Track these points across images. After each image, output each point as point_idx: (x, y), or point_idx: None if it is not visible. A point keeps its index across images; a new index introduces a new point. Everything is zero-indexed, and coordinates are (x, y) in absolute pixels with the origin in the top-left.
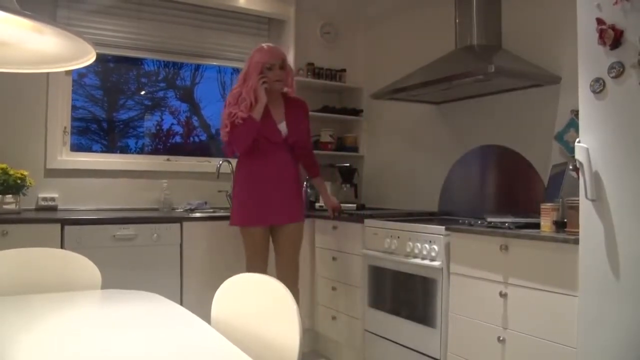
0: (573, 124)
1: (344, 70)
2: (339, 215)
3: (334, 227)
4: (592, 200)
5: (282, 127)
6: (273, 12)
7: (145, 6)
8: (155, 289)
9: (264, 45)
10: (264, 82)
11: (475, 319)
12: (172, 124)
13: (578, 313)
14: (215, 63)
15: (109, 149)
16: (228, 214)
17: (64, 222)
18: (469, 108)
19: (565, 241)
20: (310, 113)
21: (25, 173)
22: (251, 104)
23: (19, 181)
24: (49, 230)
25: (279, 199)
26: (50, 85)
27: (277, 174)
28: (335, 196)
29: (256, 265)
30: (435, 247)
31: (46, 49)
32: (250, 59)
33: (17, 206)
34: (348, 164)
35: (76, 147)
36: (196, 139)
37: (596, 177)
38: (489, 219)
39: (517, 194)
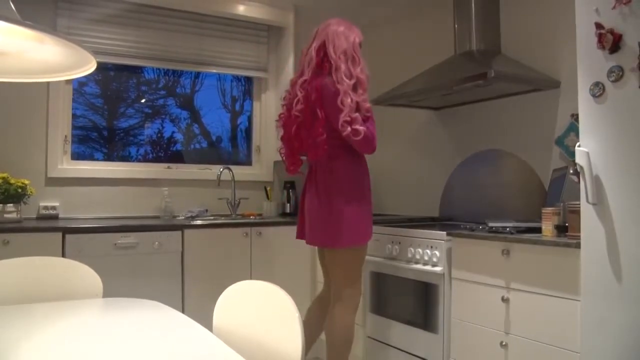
0: (573, 128)
1: None
2: None
3: None
4: (593, 204)
5: None
6: (272, 20)
7: (145, 15)
8: (157, 297)
9: (345, 20)
10: None
11: (477, 324)
12: (173, 131)
13: (580, 317)
14: (215, 71)
15: (110, 157)
16: (229, 221)
17: (65, 231)
18: (469, 113)
19: (567, 245)
20: None
21: (26, 182)
22: (364, 89)
23: (19, 190)
24: (50, 239)
25: None
26: (50, 94)
27: None
28: None
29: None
30: (437, 252)
31: (46, 58)
32: (344, 35)
33: (18, 215)
34: None
35: (77, 156)
36: (197, 146)
37: (597, 181)
38: (490, 224)
39: (518, 199)
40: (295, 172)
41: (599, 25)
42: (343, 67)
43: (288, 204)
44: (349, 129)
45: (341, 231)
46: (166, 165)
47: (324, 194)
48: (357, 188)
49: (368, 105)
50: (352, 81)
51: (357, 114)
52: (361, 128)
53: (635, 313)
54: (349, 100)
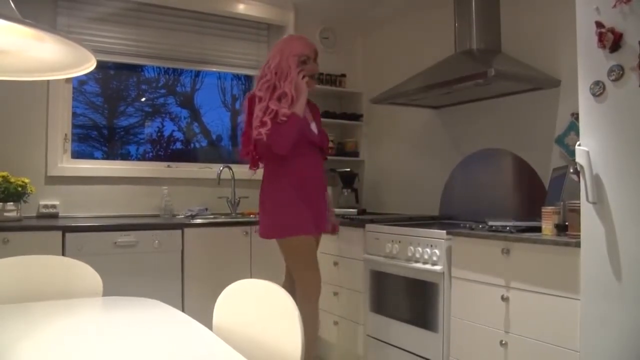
0: (573, 127)
1: (343, 75)
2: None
3: None
4: (593, 203)
5: (314, 127)
6: (272, 18)
7: (145, 13)
8: (157, 295)
9: (295, 35)
10: (304, 76)
11: (477, 323)
12: (173, 130)
13: (580, 316)
14: (215, 69)
15: (110, 155)
16: (229, 220)
17: (65, 230)
18: (469, 112)
19: (567, 244)
20: None
21: (26, 180)
22: (292, 99)
23: (20, 189)
24: (50, 237)
25: (324, 206)
26: (50, 93)
27: (321, 178)
28: (336, 201)
29: (317, 273)
30: (437, 251)
31: (46, 57)
32: (280, 51)
33: (18, 214)
34: (349, 169)
35: (77, 154)
36: (197, 145)
37: (597, 180)
38: (490, 223)
39: (518, 198)
40: (254, 168)
41: (599, 24)
42: (265, 81)
43: None
44: (254, 133)
45: (269, 225)
46: (166, 164)
47: (261, 192)
48: (280, 188)
49: (284, 111)
50: (277, 92)
51: (267, 119)
52: (263, 131)
53: (635, 312)
54: (262, 108)
